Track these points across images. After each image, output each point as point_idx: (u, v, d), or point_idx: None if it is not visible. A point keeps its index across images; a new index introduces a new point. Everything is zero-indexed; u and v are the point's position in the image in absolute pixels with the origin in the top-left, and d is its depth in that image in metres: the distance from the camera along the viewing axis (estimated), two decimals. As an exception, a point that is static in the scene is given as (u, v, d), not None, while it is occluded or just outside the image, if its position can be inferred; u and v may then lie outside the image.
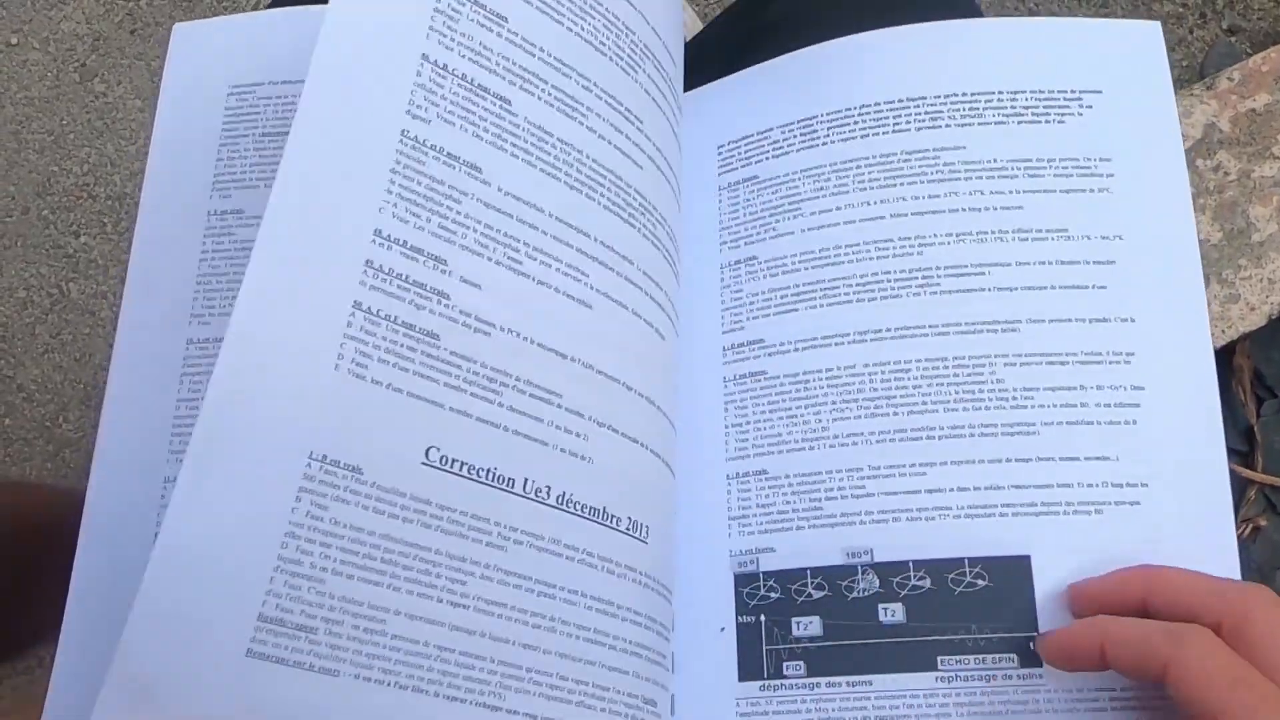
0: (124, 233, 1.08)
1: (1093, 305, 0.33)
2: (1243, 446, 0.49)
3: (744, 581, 0.33)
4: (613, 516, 0.30)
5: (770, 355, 0.34)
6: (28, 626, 0.50)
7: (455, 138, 0.28)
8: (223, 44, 0.36)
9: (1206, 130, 0.51)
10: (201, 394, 0.25)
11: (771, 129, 0.37)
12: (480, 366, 0.27)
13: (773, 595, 0.32)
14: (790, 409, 0.34)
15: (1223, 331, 0.50)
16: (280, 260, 0.25)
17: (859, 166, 0.35)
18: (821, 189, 0.35)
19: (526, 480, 0.28)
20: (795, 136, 0.36)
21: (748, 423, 0.34)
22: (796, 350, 0.34)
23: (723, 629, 0.33)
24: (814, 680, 0.31)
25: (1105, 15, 1.02)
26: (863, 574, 0.32)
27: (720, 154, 0.38)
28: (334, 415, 0.25)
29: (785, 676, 0.31)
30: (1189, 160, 0.50)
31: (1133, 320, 0.33)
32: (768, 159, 0.36)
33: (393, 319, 0.26)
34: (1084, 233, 0.34)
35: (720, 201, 0.37)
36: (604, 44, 0.31)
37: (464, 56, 0.28)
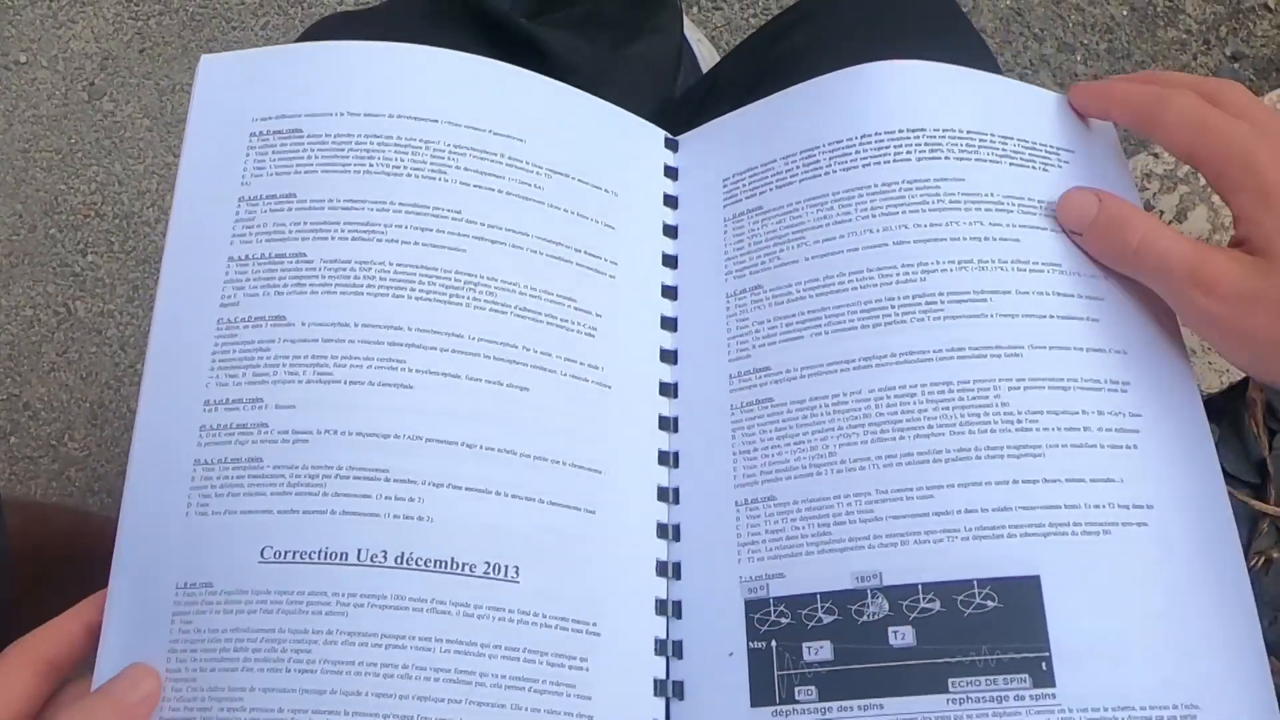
0: (131, 251, 1.08)
1: (1088, 336, 0.34)
2: (1255, 479, 0.49)
3: (754, 607, 0.33)
4: (463, 564, 0.32)
5: (776, 382, 0.35)
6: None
7: (259, 303, 0.34)
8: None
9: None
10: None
11: (775, 160, 0.37)
12: (300, 469, 0.32)
13: (783, 621, 0.33)
14: (797, 435, 0.34)
15: (1238, 367, 0.50)
16: (148, 442, 0.33)
17: (861, 195, 0.35)
18: (825, 217, 0.36)
19: (360, 550, 0.32)
20: (798, 167, 0.37)
21: (755, 449, 0.34)
22: (802, 377, 0.34)
23: (731, 654, 0.33)
24: (826, 705, 0.31)
25: (1109, 41, 1.02)
26: (872, 598, 0.32)
27: (726, 186, 0.38)
28: (188, 549, 0.32)
29: (797, 701, 0.32)
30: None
31: (1125, 352, 0.33)
32: (772, 189, 0.37)
33: (224, 460, 0.33)
34: (1075, 269, 0.34)
35: (726, 232, 0.37)
36: (399, 167, 0.35)
37: (261, 241, 0.35)
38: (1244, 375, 0.51)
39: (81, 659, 0.32)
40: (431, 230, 0.35)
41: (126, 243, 1.08)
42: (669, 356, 0.37)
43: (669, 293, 0.38)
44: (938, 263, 0.34)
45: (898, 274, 0.34)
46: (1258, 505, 0.49)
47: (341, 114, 0.36)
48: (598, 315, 0.36)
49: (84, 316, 1.06)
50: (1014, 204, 0.35)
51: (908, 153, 0.35)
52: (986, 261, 0.34)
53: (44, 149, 1.11)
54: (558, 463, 0.34)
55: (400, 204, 0.35)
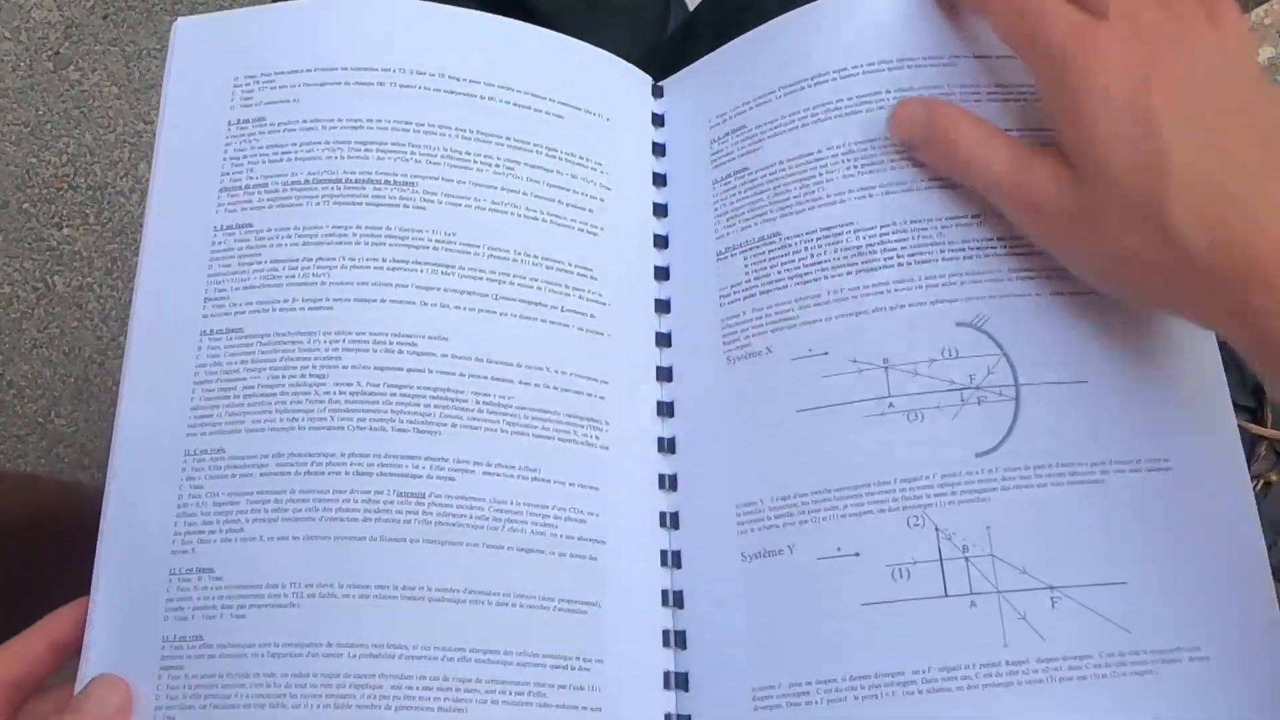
0: (107, 223, 1.07)
1: None
2: (1251, 403, 0.49)
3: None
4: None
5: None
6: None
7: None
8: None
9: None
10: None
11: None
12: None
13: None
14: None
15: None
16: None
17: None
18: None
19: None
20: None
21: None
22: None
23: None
24: None
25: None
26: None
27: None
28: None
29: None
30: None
31: None
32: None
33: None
34: None
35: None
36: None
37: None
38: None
39: (45, 677, 0.31)
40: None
41: (102, 214, 1.07)
42: (662, 306, 0.37)
43: (660, 242, 0.37)
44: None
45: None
46: (1255, 429, 0.49)
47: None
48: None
49: (63, 291, 1.05)
50: None
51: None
52: None
53: (12, 122, 1.09)
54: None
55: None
